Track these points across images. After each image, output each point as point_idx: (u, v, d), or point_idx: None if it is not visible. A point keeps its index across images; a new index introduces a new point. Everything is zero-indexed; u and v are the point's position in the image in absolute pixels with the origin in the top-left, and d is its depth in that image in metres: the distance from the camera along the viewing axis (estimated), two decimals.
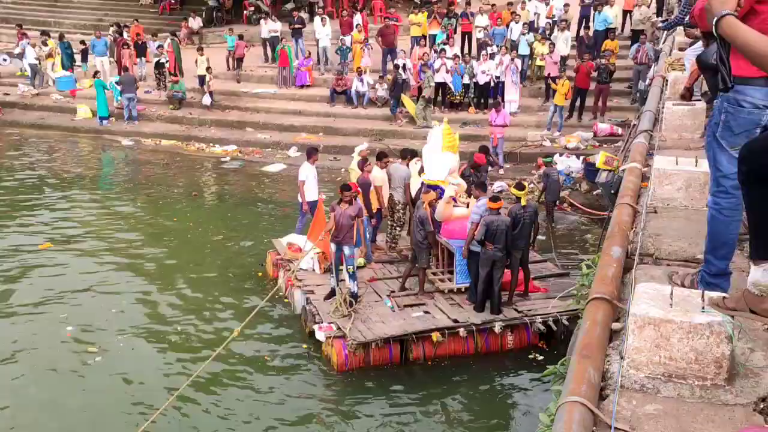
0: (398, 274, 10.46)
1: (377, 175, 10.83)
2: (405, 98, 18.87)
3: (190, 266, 11.89)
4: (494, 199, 8.99)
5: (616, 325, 3.51)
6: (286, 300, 10.40)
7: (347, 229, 9.13)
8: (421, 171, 10.86)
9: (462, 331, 8.91)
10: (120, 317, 10.16)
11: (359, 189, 10.19)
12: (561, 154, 16.36)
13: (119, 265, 11.98)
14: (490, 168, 16.32)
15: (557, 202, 13.96)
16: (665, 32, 11.70)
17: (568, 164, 15.99)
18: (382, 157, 11.02)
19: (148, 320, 10.15)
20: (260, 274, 11.42)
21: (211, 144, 19.48)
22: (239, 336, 8.20)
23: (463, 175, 11.08)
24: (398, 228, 11.05)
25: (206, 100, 20.71)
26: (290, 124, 19.86)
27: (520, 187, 9.39)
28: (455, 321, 9.04)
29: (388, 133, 18.82)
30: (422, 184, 10.47)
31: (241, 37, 22.73)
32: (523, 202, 9.14)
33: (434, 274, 10.19)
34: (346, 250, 9.22)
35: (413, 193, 10.74)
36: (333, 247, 9.33)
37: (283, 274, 10.61)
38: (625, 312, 3.40)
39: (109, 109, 20.58)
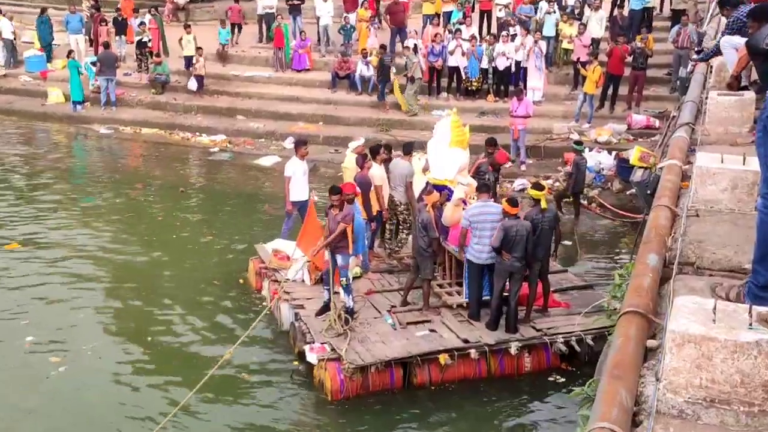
0: (399, 285, 10.29)
1: (376, 173, 10.66)
2: (395, 84, 18.88)
3: (173, 271, 11.85)
4: (512, 202, 8.85)
5: (651, 343, 3.51)
6: (265, 308, 9.91)
7: (342, 235, 9.04)
8: (426, 169, 10.74)
9: (473, 353, 8.81)
10: (88, 325, 10.12)
11: (357, 190, 9.93)
12: (591, 149, 16.33)
13: (93, 267, 11.92)
14: (509, 164, 16.34)
15: (581, 195, 14.06)
16: (701, 55, 11.38)
17: (599, 160, 15.95)
18: (376, 152, 10.85)
19: (119, 329, 10.11)
20: (242, 281, 11.38)
21: (198, 133, 19.42)
22: (216, 357, 8.15)
23: (479, 171, 10.91)
24: (405, 232, 10.92)
25: (192, 84, 20.63)
26: (286, 111, 19.78)
27: (538, 187, 9.26)
28: (465, 341, 8.95)
29: (396, 122, 18.75)
30: (427, 183, 10.31)
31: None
32: (543, 205, 9.02)
33: (440, 286, 10.04)
34: (340, 259, 9.11)
35: (416, 194, 10.60)
36: (327, 255, 9.25)
37: (268, 285, 10.38)
38: (661, 328, 3.38)
39: (84, 93, 20.61)
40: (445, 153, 10.30)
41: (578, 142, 14.37)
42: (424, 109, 18.84)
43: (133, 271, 11.92)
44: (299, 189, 11.16)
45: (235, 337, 9.27)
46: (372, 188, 10.65)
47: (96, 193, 15.63)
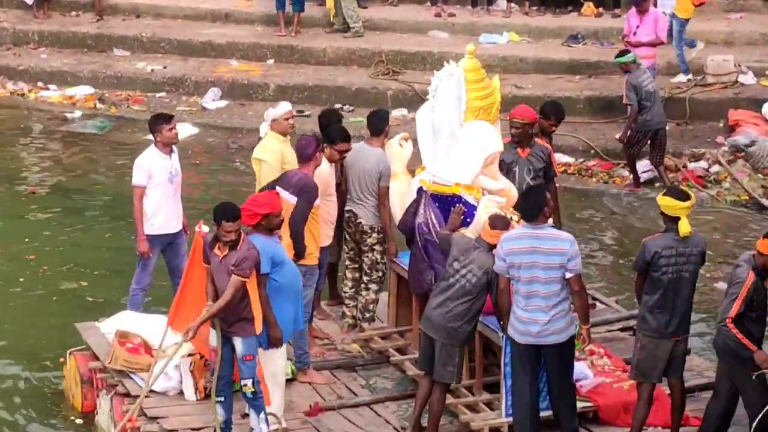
0: (371, 395, 9.62)
1: (324, 171, 10.20)
2: None
3: None
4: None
5: None
6: None
7: (236, 300, 8.51)
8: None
9: None
10: None
11: (287, 199, 9.39)
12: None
13: None
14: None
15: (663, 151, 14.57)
16: None
17: None
18: (333, 136, 10.20)
19: None
20: (61, 360, 10.73)
21: (42, 83, 19.16)
22: None
23: (504, 168, 10.44)
24: (373, 286, 10.53)
25: None
26: (207, 40, 19.41)
27: (676, 194, 8.59)
28: None
29: (411, 57, 17.97)
30: (420, 191, 9.93)
31: None
32: (683, 230, 8.32)
33: (453, 392, 9.69)
34: (239, 345, 8.53)
35: (398, 210, 10.20)
36: (214, 339, 8.66)
37: (110, 404, 9.64)
38: None
39: None
40: (456, 132, 9.60)
41: (622, 52, 14.62)
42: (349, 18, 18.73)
43: None
44: (164, 210, 10.34)
45: None
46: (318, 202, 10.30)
47: None
